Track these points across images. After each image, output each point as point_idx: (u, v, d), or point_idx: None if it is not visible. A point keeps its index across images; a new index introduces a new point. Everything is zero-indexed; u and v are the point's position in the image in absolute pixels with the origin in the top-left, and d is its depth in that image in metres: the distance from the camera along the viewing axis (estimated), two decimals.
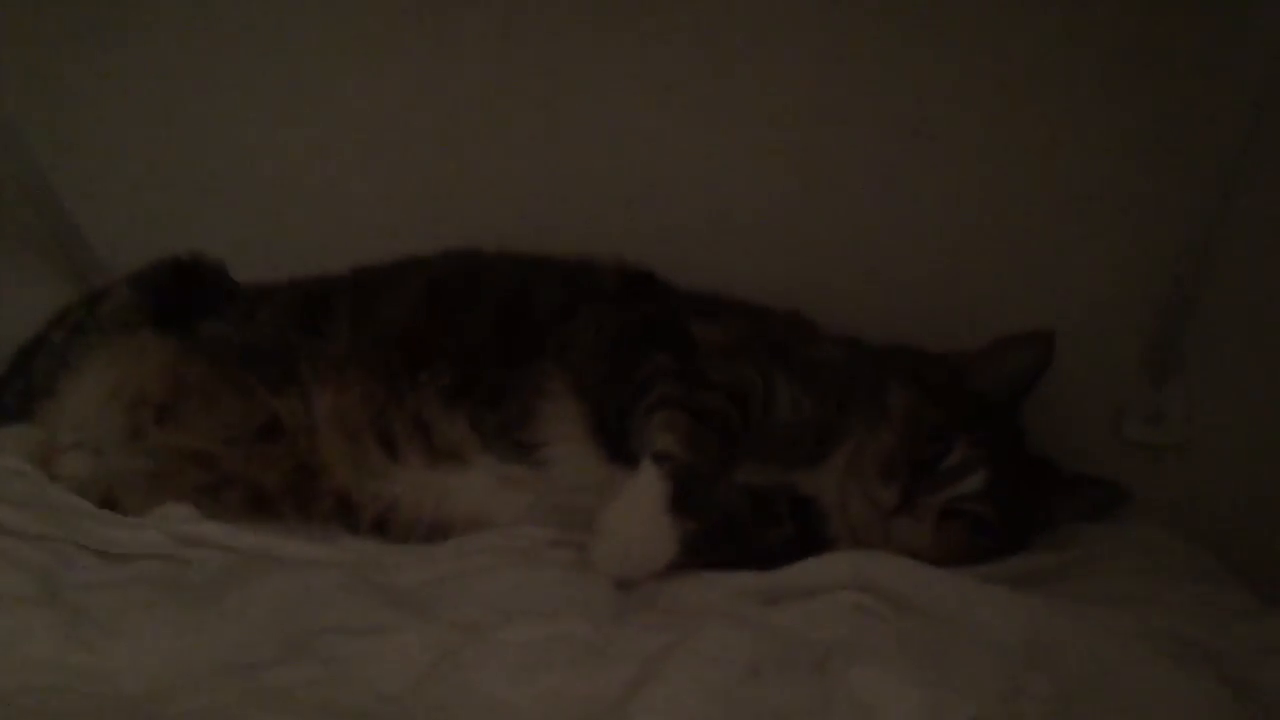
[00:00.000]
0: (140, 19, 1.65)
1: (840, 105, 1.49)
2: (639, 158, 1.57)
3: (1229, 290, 1.38)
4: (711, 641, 0.90)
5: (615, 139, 1.58)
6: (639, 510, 1.10)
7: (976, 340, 1.33)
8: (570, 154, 1.60)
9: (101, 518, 1.17)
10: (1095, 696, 0.87)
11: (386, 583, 1.11)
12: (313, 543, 1.21)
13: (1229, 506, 1.37)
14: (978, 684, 0.83)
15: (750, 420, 1.21)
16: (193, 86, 1.68)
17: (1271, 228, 1.35)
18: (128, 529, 1.15)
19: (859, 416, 1.26)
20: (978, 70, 1.44)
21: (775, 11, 1.49)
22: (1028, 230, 1.44)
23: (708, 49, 1.53)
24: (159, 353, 1.34)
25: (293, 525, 1.26)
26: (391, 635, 0.99)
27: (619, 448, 1.22)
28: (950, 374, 1.31)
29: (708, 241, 1.53)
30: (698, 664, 0.86)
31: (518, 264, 1.41)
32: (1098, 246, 1.41)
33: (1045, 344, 1.28)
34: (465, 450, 1.26)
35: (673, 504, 1.09)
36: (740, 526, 1.20)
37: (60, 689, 0.90)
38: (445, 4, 1.59)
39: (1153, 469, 1.41)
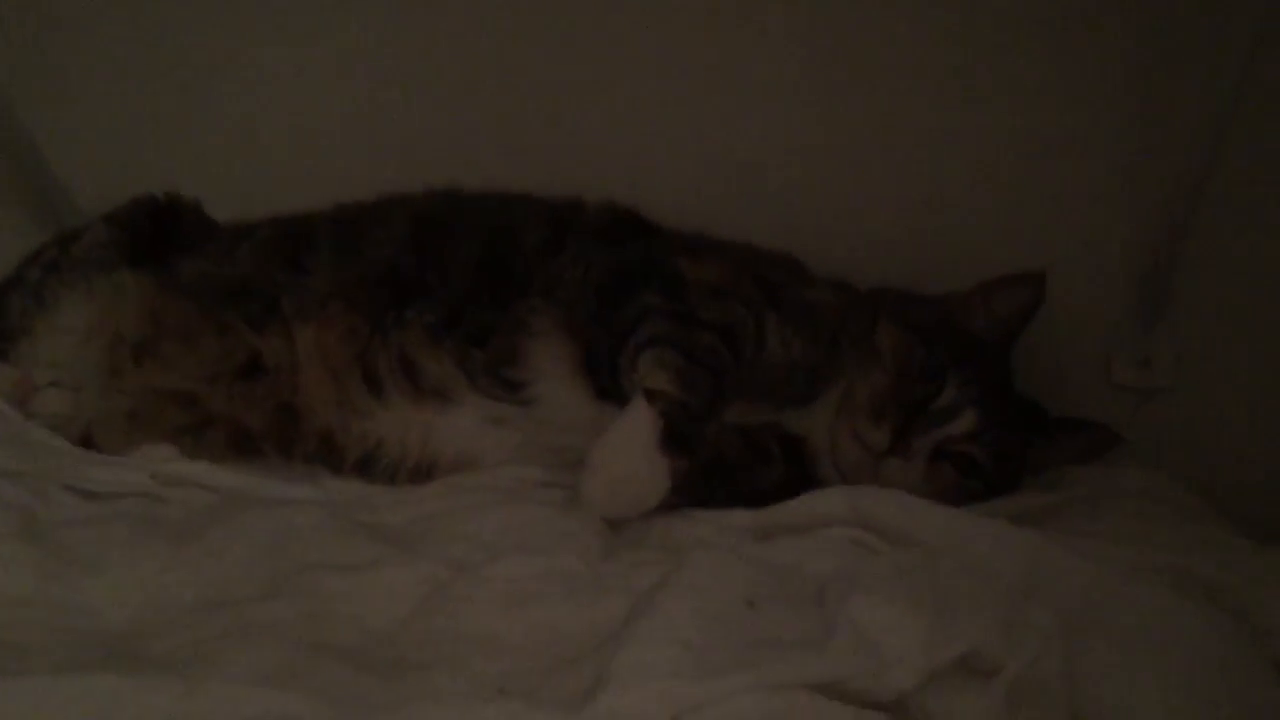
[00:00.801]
0: None
1: (829, 47, 1.47)
2: (628, 101, 1.54)
3: (1219, 234, 1.37)
4: (705, 573, 0.88)
5: (604, 82, 1.55)
6: (630, 448, 1.08)
7: (966, 283, 1.32)
8: (557, 92, 1.58)
9: (80, 456, 1.15)
10: (1095, 627, 0.86)
11: (372, 521, 1.10)
12: (295, 482, 1.19)
13: (1217, 449, 1.37)
14: (978, 614, 0.81)
15: (741, 359, 1.20)
16: (168, 28, 1.64)
17: (1263, 172, 1.35)
18: (108, 467, 1.13)
19: (850, 357, 1.24)
20: (968, 10, 1.42)
21: None
22: (1018, 172, 1.43)
23: None
24: (137, 291, 1.31)
25: (275, 465, 1.24)
26: (378, 571, 0.98)
27: (608, 386, 1.20)
28: (941, 316, 1.29)
29: (697, 186, 1.51)
30: (693, 595, 0.85)
31: (504, 201, 1.38)
32: (1089, 189, 1.41)
33: (1036, 285, 1.28)
34: (451, 389, 1.24)
35: (664, 442, 1.08)
36: (732, 465, 1.19)
37: (40, 624, 0.88)
38: None
39: (1141, 412, 1.40)
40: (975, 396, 1.20)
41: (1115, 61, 1.37)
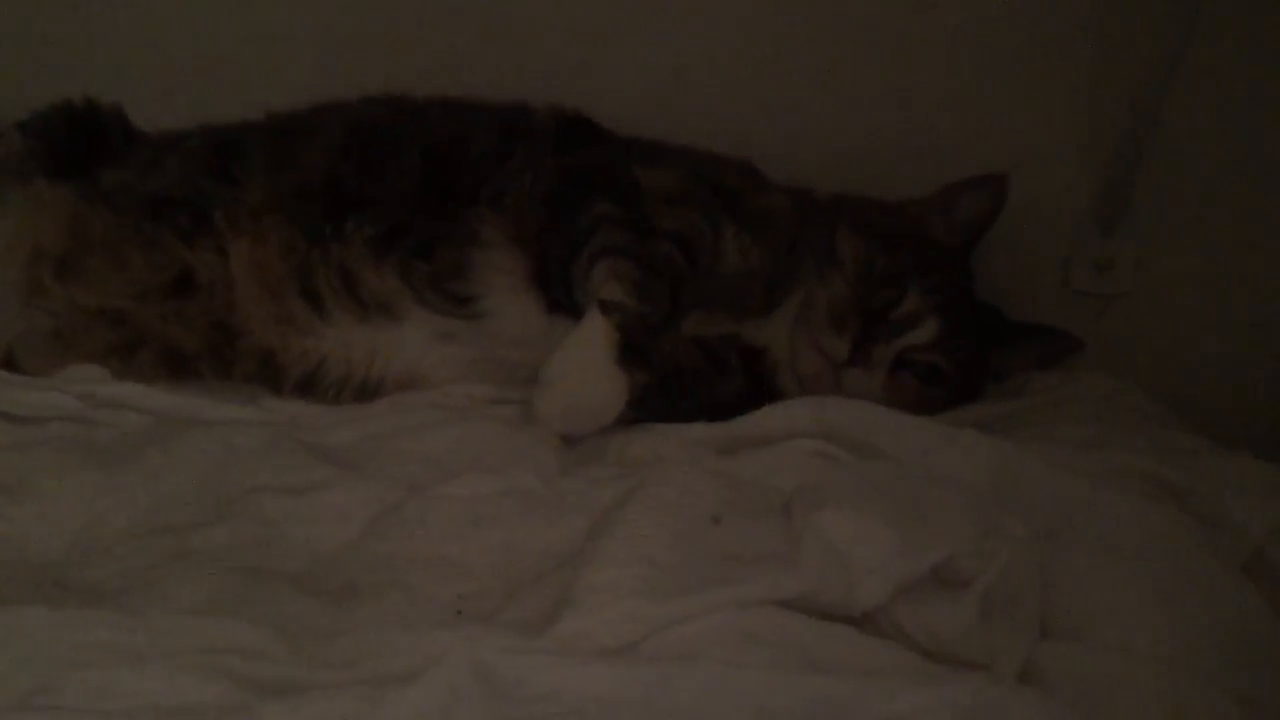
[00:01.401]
0: None
1: None
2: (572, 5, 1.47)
3: (1180, 136, 1.35)
4: (669, 489, 0.86)
5: None
6: (586, 361, 1.04)
7: (926, 188, 1.28)
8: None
9: (2, 378, 1.08)
10: (1065, 535, 0.85)
11: (316, 442, 1.05)
12: (234, 404, 1.13)
13: (1178, 354, 1.36)
14: (949, 524, 0.80)
15: (698, 269, 1.16)
16: None
17: (1226, 73, 1.32)
18: (32, 390, 1.06)
19: (809, 265, 1.21)
20: None
21: None
22: (978, 73, 1.38)
23: None
24: (56, 203, 1.22)
25: (212, 386, 1.18)
26: (325, 493, 0.94)
27: (560, 299, 1.16)
28: (901, 222, 1.27)
29: (650, 90, 1.44)
30: (657, 512, 0.82)
31: (447, 107, 1.32)
32: (1050, 90, 1.37)
33: (998, 188, 1.25)
34: (396, 304, 1.18)
35: (621, 355, 1.04)
36: (691, 378, 1.16)
37: None
38: None
39: (1102, 318, 1.39)
40: (937, 304, 1.18)
41: None
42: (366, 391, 1.19)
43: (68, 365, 1.15)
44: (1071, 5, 1.35)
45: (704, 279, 1.17)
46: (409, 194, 1.22)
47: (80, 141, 1.29)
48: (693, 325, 1.18)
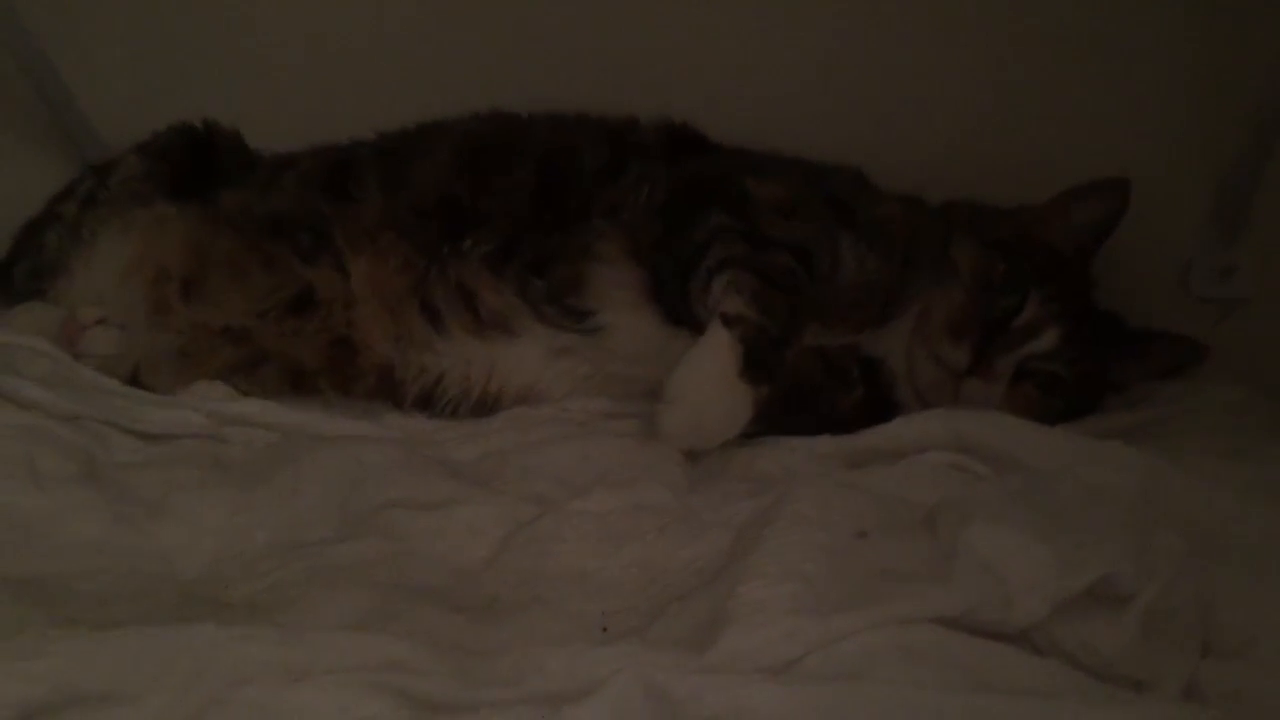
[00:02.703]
0: None
1: None
2: (679, 13, 1.46)
3: None
4: (810, 504, 0.84)
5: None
6: (710, 376, 1.03)
7: (1041, 194, 1.26)
8: (594, 12, 1.50)
9: (133, 396, 1.10)
10: (1217, 549, 0.82)
11: (442, 457, 1.06)
12: (356, 419, 1.15)
13: None
14: (1106, 539, 0.77)
15: (816, 279, 1.14)
16: None
17: None
18: (163, 407, 1.08)
19: (926, 274, 1.19)
20: None
21: None
22: (1097, 76, 1.36)
23: None
24: (179, 224, 1.25)
25: (333, 402, 1.20)
26: (457, 509, 0.94)
27: (677, 313, 1.15)
28: (1018, 228, 1.24)
29: (753, 106, 1.44)
30: (802, 527, 0.81)
31: (556, 123, 1.32)
32: (1171, 94, 1.35)
33: (1119, 193, 1.21)
34: (514, 319, 1.19)
35: (745, 368, 1.03)
36: (812, 390, 1.15)
37: (113, 571, 0.84)
38: None
39: (1223, 325, 1.35)
40: (1057, 312, 1.15)
41: None
42: (484, 406, 1.20)
43: (192, 382, 1.18)
44: (1190, 10, 1.32)
45: (821, 290, 1.15)
46: (522, 210, 1.22)
47: (199, 163, 1.32)
48: (811, 337, 1.16)
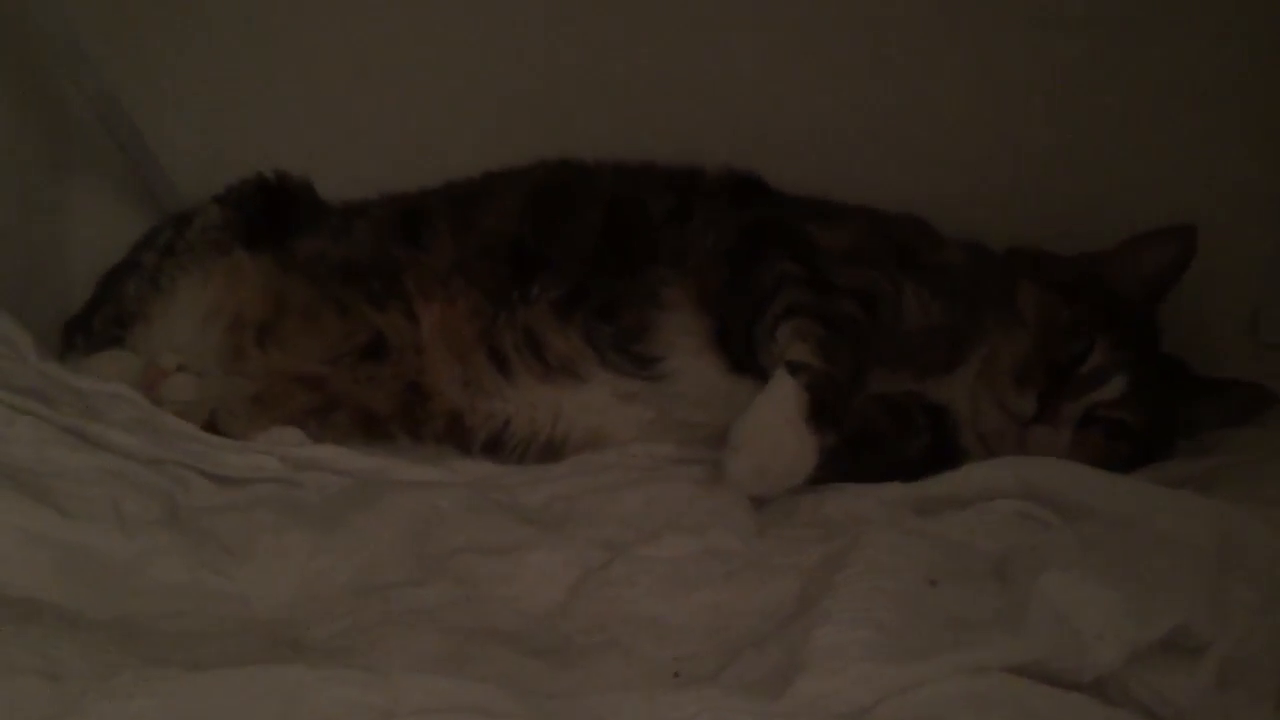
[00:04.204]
0: None
1: None
2: (742, 65, 1.49)
3: None
4: (882, 550, 0.85)
5: (718, 47, 1.51)
6: (776, 423, 1.04)
7: (1106, 240, 1.26)
8: (659, 62, 1.53)
9: (211, 441, 1.12)
10: None
11: (512, 502, 1.07)
12: (427, 464, 1.17)
13: None
14: (1180, 588, 0.77)
15: (880, 326, 1.15)
16: (267, 8, 1.62)
17: None
18: (239, 453, 1.11)
19: (991, 321, 1.20)
20: None
21: None
22: (1160, 121, 1.36)
23: None
24: (255, 272, 1.29)
25: (404, 447, 1.22)
26: (528, 554, 0.95)
27: (743, 359, 1.17)
28: (1083, 275, 1.24)
29: (815, 155, 1.46)
30: (874, 574, 0.81)
31: (620, 171, 1.35)
32: (1236, 138, 1.35)
33: (1186, 240, 1.21)
34: (580, 365, 1.21)
35: (811, 415, 1.04)
36: (877, 437, 1.15)
37: (197, 613, 0.86)
38: None
39: None
40: (1125, 359, 1.15)
41: (1268, 7, 1.30)
42: (550, 451, 1.22)
43: (267, 428, 1.20)
44: (1259, 44, 1.33)
45: (886, 337, 1.16)
46: (589, 256, 1.25)
47: (273, 212, 1.36)
48: (876, 383, 1.17)
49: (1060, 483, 0.96)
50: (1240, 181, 1.35)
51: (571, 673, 0.79)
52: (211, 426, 1.22)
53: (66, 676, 0.68)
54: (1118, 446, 1.15)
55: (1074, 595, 0.77)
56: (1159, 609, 0.75)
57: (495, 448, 1.23)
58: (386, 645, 0.82)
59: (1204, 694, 0.73)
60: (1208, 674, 0.74)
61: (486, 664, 0.79)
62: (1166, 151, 1.37)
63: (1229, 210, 1.34)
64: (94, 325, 1.34)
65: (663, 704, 0.69)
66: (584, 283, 1.23)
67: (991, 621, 0.77)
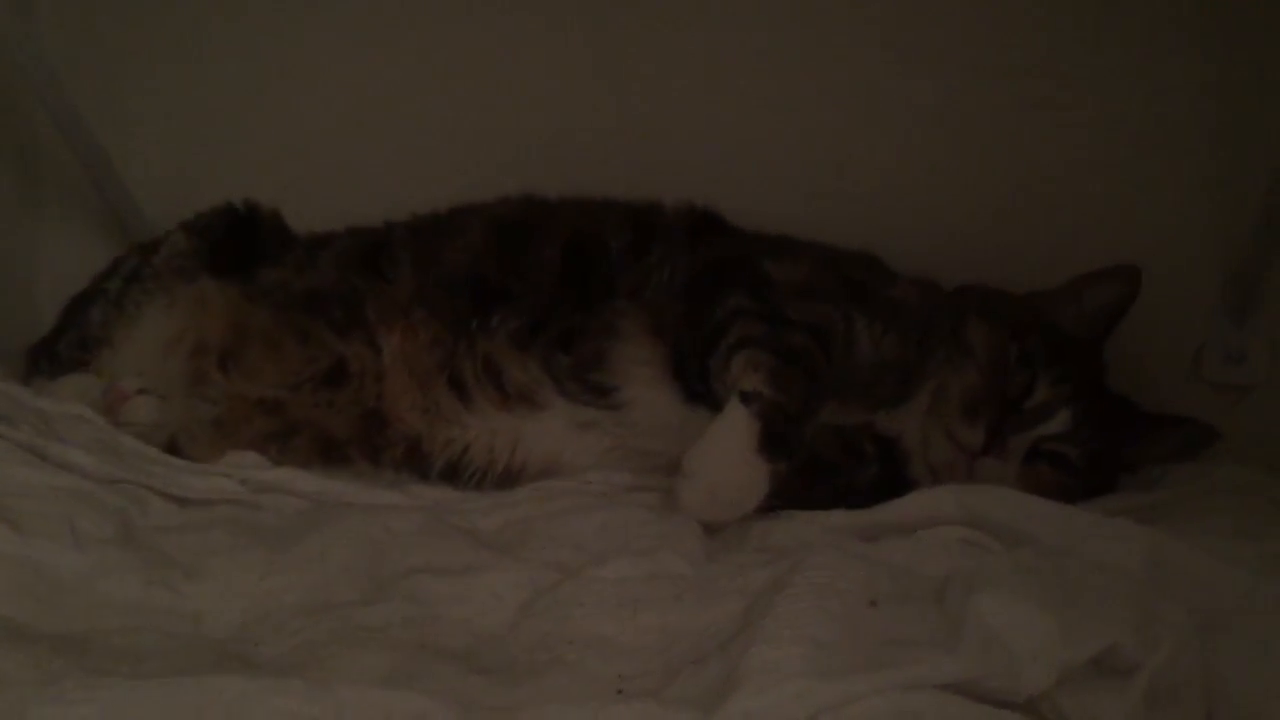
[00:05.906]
0: None
1: (910, 42, 1.46)
2: (692, 106, 1.53)
3: None
4: (824, 572, 0.86)
5: (663, 88, 1.55)
6: (728, 451, 1.06)
7: (1054, 280, 1.29)
8: (615, 101, 1.57)
9: (171, 463, 1.14)
10: (1224, 625, 0.84)
11: (467, 526, 1.09)
12: (385, 489, 1.18)
13: None
14: (1111, 611, 0.79)
15: (832, 359, 1.18)
16: (232, 39, 1.65)
17: None
18: (199, 474, 1.12)
19: (941, 355, 1.22)
20: (1054, 5, 1.40)
21: None
22: (1105, 165, 1.40)
23: None
24: (220, 300, 1.31)
25: (362, 472, 1.23)
26: (480, 575, 0.96)
27: (697, 390, 1.19)
28: (1031, 312, 1.27)
29: (771, 193, 1.49)
30: (815, 594, 0.83)
31: (582, 206, 1.37)
32: (1179, 180, 1.39)
33: (1130, 279, 1.25)
34: (538, 394, 1.23)
35: (762, 444, 1.06)
36: (828, 466, 1.17)
37: (148, 629, 0.87)
38: None
39: (1235, 409, 1.37)
40: (1069, 395, 1.18)
41: (1208, 52, 1.35)
42: (508, 479, 1.23)
43: (227, 452, 1.21)
44: (1201, 97, 1.37)
45: (838, 369, 1.18)
46: (548, 288, 1.27)
47: (240, 241, 1.37)
48: (828, 415, 1.19)
49: (1001, 510, 0.99)
50: (1183, 222, 1.39)
51: (517, 689, 0.80)
52: (172, 449, 1.23)
53: (9, 684, 0.69)
54: (1063, 479, 1.18)
55: (1008, 617, 0.78)
56: (1090, 630, 0.77)
57: (453, 474, 1.24)
58: (336, 662, 0.83)
59: (1133, 714, 0.75)
60: (1137, 694, 0.75)
61: (432, 680, 0.80)
62: (1113, 194, 1.41)
63: (1174, 252, 1.37)
64: (59, 350, 1.35)
65: (601, 717, 0.71)
66: (543, 314, 1.25)
67: (928, 642, 0.79)
